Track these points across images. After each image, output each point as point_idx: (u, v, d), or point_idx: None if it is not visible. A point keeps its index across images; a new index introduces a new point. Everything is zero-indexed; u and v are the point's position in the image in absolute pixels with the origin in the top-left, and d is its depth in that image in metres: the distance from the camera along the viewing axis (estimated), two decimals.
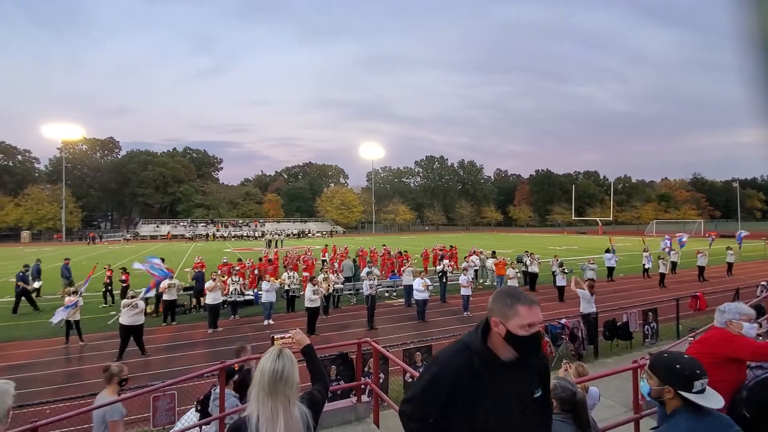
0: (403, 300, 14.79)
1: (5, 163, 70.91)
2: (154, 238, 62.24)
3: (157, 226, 68.96)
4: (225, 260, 17.08)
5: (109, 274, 15.09)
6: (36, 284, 15.81)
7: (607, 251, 19.66)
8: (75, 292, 10.92)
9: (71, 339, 10.59)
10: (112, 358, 9.36)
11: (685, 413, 1.90)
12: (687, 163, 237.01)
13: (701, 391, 1.90)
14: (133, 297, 9.92)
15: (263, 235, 57.34)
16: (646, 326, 9.67)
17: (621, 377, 5.44)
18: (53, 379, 8.41)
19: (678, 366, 1.96)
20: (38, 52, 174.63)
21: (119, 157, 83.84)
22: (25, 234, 59.01)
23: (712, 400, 1.90)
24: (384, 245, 24.65)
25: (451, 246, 23.55)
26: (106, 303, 14.81)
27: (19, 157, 72.72)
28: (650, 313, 9.77)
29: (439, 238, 46.43)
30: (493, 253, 20.01)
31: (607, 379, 5.42)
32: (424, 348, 7.38)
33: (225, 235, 64.82)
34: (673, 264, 20.35)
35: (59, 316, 10.05)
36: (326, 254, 22.39)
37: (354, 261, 18.83)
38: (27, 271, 15.04)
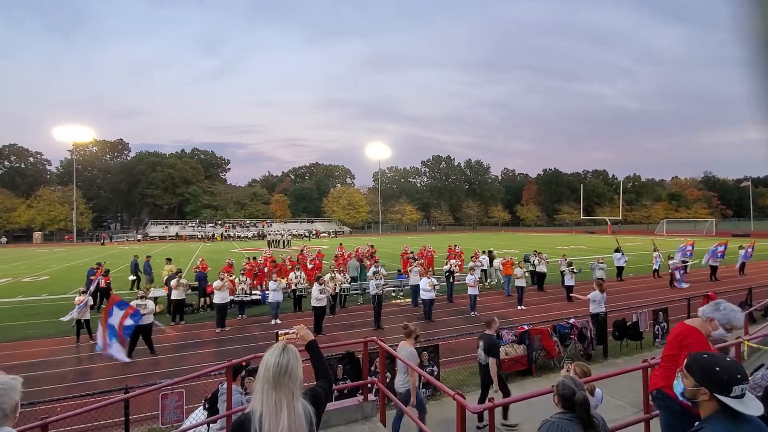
0: (410, 300, 14.77)
1: (18, 165, 72.15)
2: (163, 239, 62.87)
3: (166, 227, 69.66)
4: (231, 261, 17.12)
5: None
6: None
7: (617, 251, 19.47)
8: (84, 292, 11.08)
9: (82, 338, 10.73)
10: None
11: (723, 419, 1.81)
12: (698, 161, 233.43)
13: (740, 396, 1.79)
14: (142, 297, 10.03)
15: (264, 236, 57.59)
16: (657, 326, 9.54)
17: (631, 377, 5.37)
18: (64, 377, 8.52)
19: (717, 368, 1.86)
20: (49, 55, 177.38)
21: (128, 158, 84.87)
22: (37, 235, 59.93)
23: (752, 406, 1.79)
24: (371, 245, 24.89)
25: (456, 245, 23.40)
26: (95, 303, 14.62)
27: (31, 159, 73.95)
28: (660, 313, 9.64)
29: (446, 238, 46.36)
30: (488, 252, 19.96)
31: (617, 379, 5.35)
32: (431, 348, 7.37)
33: (238, 235, 65.23)
34: (684, 264, 20.06)
35: (70, 315, 10.33)
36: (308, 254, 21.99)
37: (360, 261, 18.86)
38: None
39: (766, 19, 0.98)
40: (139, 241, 60.05)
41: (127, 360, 8.90)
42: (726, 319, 3.11)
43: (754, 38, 0.98)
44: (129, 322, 9.02)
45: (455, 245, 22.96)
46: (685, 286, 15.99)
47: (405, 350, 5.39)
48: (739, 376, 1.82)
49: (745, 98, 1.05)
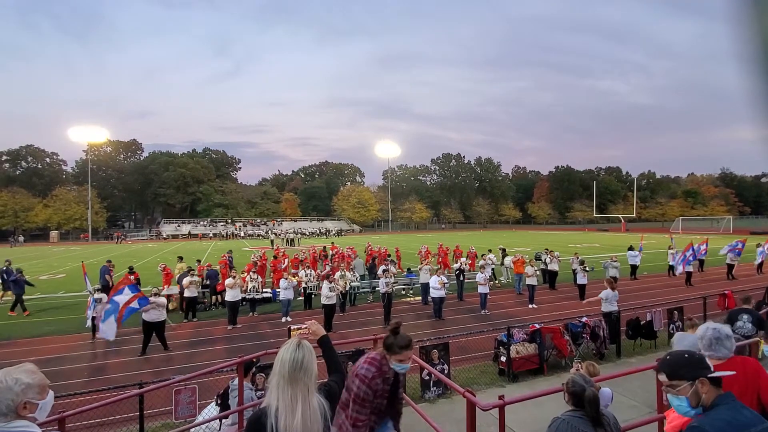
0: (419, 298, 14.75)
1: (34, 165, 73.68)
2: (175, 237, 63.73)
3: (179, 226, 70.58)
4: (255, 260, 17.30)
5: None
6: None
7: (630, 249, 19.18)
8: (99, 290, 11.30)
9: (97, 334, 10.92)
10: (135, 353, 9.65)
11: (727, 403, 1.86)
12: (715, 157, 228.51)
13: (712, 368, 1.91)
14: (156, 294, 10.16)
15: (267, 234, 58.28)
16: (671, 325, 9.38)
17: (645, 377, 5.30)
18: (81, 372, 8.70)
19: (687, 356, 1.93)
20: (64, 58, 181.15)
21: (142, 158, 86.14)
22: (53, 234, 61.19)
23: (726, 372, 1.92)
24: (369, 243, 24.97)
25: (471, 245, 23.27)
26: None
27: (48, 159, 75.43)
28: (675, 312, 9.48)
29: (456, 237, 46.19)
30: (500, 249, 19.74)
31: (630, 379, 5.28)
32: (441, 345, 7.35)
33: (248, 233, 65.88)
34: (701, 262, 19.70)
35: (89, 317, 10.61)
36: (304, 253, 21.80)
37: (374, 259, 18.91)
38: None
39: (765, 18, 0.99)
40: (164, 239, 60.97)
41: (112, 339, 9.28)
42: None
43: (755, 37, 0.99)
44: (135, 305, 9.41)
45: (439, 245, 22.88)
46: (679, 269, 16.21)
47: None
48: (699, 352, 1.95)
49: (744, 95, 1.05)
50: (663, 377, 1.99)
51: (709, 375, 1.86)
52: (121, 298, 9.34)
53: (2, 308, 14.76)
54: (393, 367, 2.63)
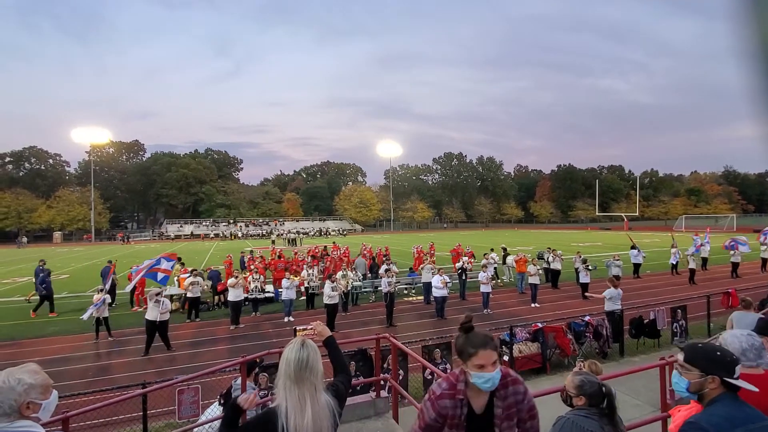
0: (422, 297, 14.74)
1: (38, 167, 73.91)
2: (178, 237, 63.87)
3: (181, 226, 70.69)
4: (261, 255, 17.39)
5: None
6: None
7: (633, 248, 19.13)
8: (101, 290, 11.32)
9: (101, 335, 10.97)
10: (139, 353, 9.68)
11: (727, 400, 1.86)
12: (718, 155, 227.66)
13: (738, 377, 1.86)
14: (159, 293, 10.18)
15: (269, 234, 58.41)
16: (675, 324, 9.34)
17: (648, 376, 5.28)
18: (84, 372, 8.72)
19: (719, 353, 1.92)
20: (64, 58, 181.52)
21: (144, 159, 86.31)
22: (57, 235, 61.34)
23: (750, 385, 1.88)
24: (363, 243, 25.02)
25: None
26: (112, 302, 14.13)
27: (50, 161, 75.64)
28: (679, 311, 9.44)
29: (457, 236, 46.16)
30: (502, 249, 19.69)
31: (633, 378, 5.27)
32: (444, 345, 7.34)
33: (250, 233, 66.02)
34: (704, 260, 19.65)
35: (89, 312, 10.56)
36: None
37: (373, 259, 18.88)
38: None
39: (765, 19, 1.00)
40: (170, 239, 61.11)
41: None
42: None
43: (754, 34, 0.99)
44: (154, 274, 10.84)
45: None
46: (693, 249, 18.14)
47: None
48: (735, 357, 1.90)
49: (746, 93, 1.05)
50: (680, 355, 2.01)
51: (733, 381, 1.84)
52: (163, 265, 10.74)
53: (6, 309, 14.84)
54: (473, 382, 1.98)
